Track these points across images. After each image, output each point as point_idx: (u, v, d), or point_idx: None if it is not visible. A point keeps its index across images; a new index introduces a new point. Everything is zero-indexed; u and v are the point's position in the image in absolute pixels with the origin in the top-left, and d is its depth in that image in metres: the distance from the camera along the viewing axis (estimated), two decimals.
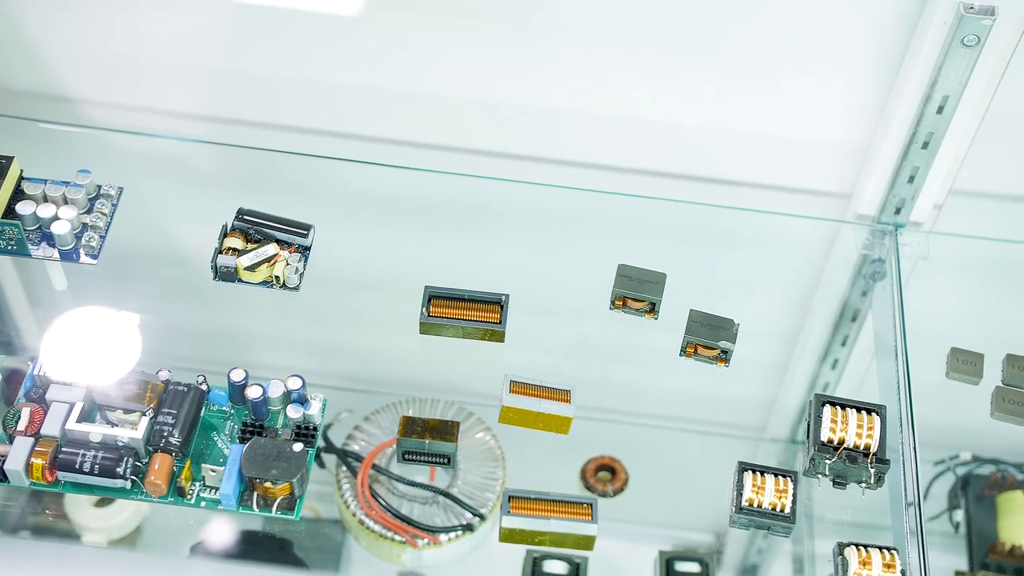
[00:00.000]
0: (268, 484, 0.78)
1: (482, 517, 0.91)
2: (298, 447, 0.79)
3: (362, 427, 0.95)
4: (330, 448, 0.93)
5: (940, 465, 0.96)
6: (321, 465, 0.94)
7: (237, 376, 0.82)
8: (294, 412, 0.82)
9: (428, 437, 0.85)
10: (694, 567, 0.92)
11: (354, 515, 0.91)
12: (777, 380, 1.03)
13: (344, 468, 0.92)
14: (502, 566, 0.91)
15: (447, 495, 0.91)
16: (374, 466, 0.92)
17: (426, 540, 0.90)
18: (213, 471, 0.79)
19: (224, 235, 0.87)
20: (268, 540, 0.94)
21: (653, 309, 0.87)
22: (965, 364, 0.86)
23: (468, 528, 0.91)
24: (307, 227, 0.88)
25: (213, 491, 0.79)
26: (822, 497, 0.84)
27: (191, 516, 0.92)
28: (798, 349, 1.01)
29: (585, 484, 0.97)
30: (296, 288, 0.86)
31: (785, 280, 0.99)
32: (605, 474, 0.98)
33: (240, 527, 0.93)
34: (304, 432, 0.82)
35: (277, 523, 0.90)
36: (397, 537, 0.90)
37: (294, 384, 0.82)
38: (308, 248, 0.88)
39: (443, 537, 0.90)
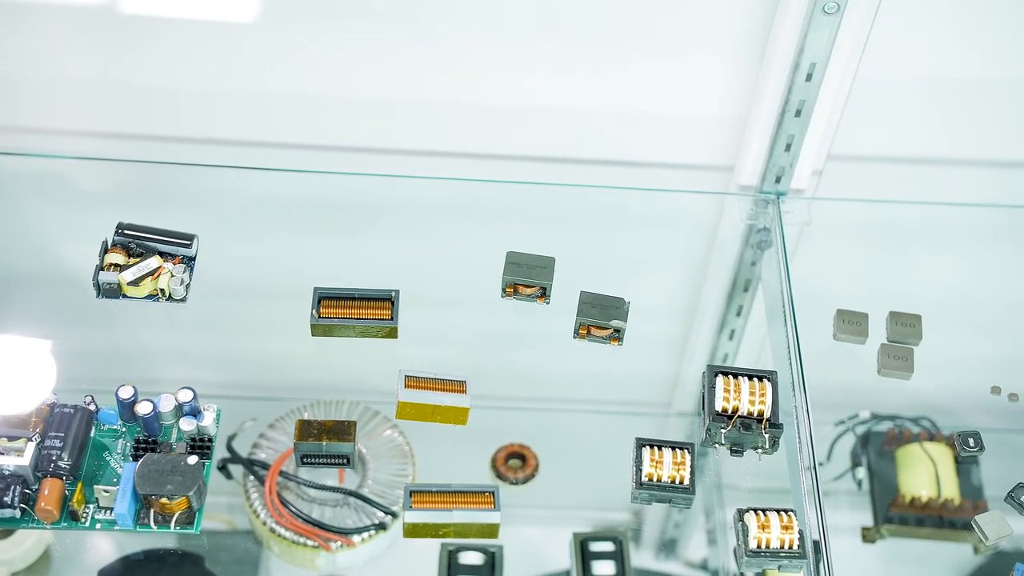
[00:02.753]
0: (164, 500, 0.77)
1: (394, 515, 0.90)
2: (193, 460, 0.78)
3: (267, 435, 0.94)
4: (235, 458, 0.92)
5: (841, 425, 0.98)
6: (228, 476, 0.93)
7: (125, 393, 0.80)
8: (187, 425, 0.81)
9: (325, 439, 0.85)
10: (608, 546, 0.92)
11: (264, 524, 0.90)
12: (678, 355, 1.04)
13: (251, 478, 0.91)
14: (418, 562, 0.91)
15: (357, 495, 0.91)
16: (281, 472, 0.91)
17: (339, 543, 0.90)
18: (106, 492, 0.77)
19: (105, 251, 0.85)
20: (182, 557, 0.93)
21: (544, 294, 0.88)
22: (851, 324, 0.88)
23: (381, 527, 0.91)
24: (190, 237, 0.87)
25: (108, 512, 0.78)
26: (736, 466, 0.86)
27: (98, 540, 0.90)
28: (695, 322, 1.02)
29: (496, 473, 0.98)
30: (183, 299, 0.85)
31: (676, 256, 1.00)
32: (516, 462, 0.98)
33: (153, 545, 0.91)
34: (199, 444, 0.81)
35: (191, 539, 0.89)
36: (310, 542, 0.90)
37: (185, 397, 0.81)
38: (192, 258, 0.87)
39: (356, 538, 0.90)
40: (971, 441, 0.86)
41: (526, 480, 0.97)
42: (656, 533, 1.04)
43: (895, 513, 0.95)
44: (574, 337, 0.87)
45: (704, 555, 1.03)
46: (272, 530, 0.90)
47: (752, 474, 0.85)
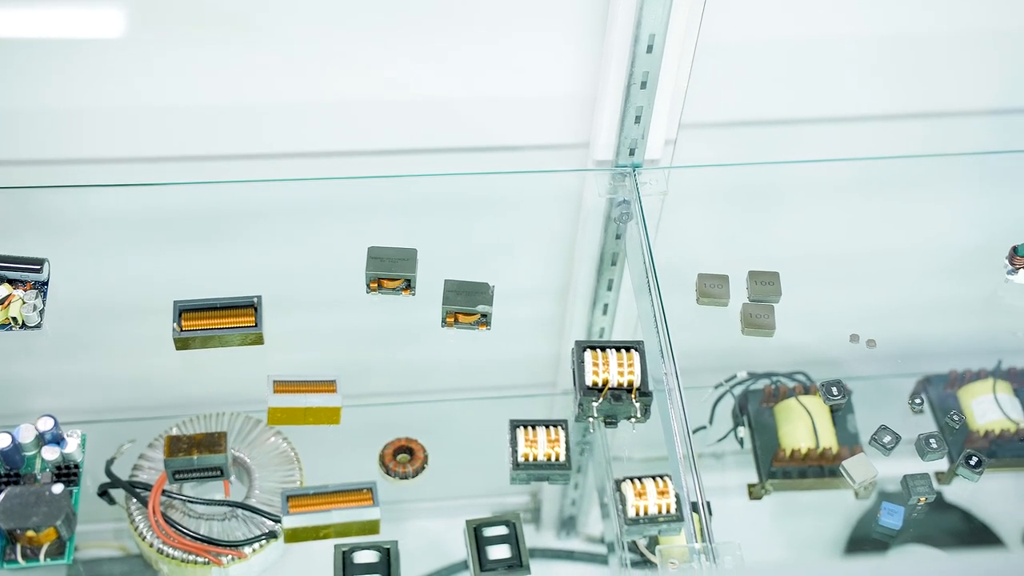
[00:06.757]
0: (31, 532, 0.76)
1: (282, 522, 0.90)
2: (58, 488, 0.77)
3: (147, 455, 0.92)
4: (116, 482, 0.90)
5: (720, 388, 1.00)
6: (111, 502, 0.91)
7: None
8: (50, 453, 0.79)
9: (195, 452, 0.84)
10: (502, 530, 0.93)
11: (151, 545, 0.89)
12: (556, 334, 1.05)
13: (134, 500, 0.90)
14: (312, 566, 0.91)
15: (243, 506, 0.90)
16: (165, 491, 0.90)
17: (230, 556, 0.89)
18: None
19: None
20: None
21: (409, 286, 0.88)
22: (712, 288, 0.89)
23: (271, 535, 0.90)
24: (40, 261, 0.85)
25: None
26: (626, 439, 0.87)
27: None
28: (569, 300, 1.03)
29: (385, 469, 0.97)
30: (38, 326, 0.83)
31: (542, 236, 1.01)
32: (404, 456, 0.98)
33: None
34: (65, 472, 0.79)
35: (65, 569, 0.87)
36: (200, 559, 0.88)
37: (45, 425, 0.79)
38: (45, 283, 0.85)
39: (247, 549, 0.89)
40: (834, 390, 0.88)
41: (416, 473, 0.97)
42: (555, 511, 1.05)
43: (778, 467, 0.97)
44: (442, 326, 0.87)
45: (602, 529, 1.05)
46: (160, 551, 0.88)
47: (643, 444, 0.86)
